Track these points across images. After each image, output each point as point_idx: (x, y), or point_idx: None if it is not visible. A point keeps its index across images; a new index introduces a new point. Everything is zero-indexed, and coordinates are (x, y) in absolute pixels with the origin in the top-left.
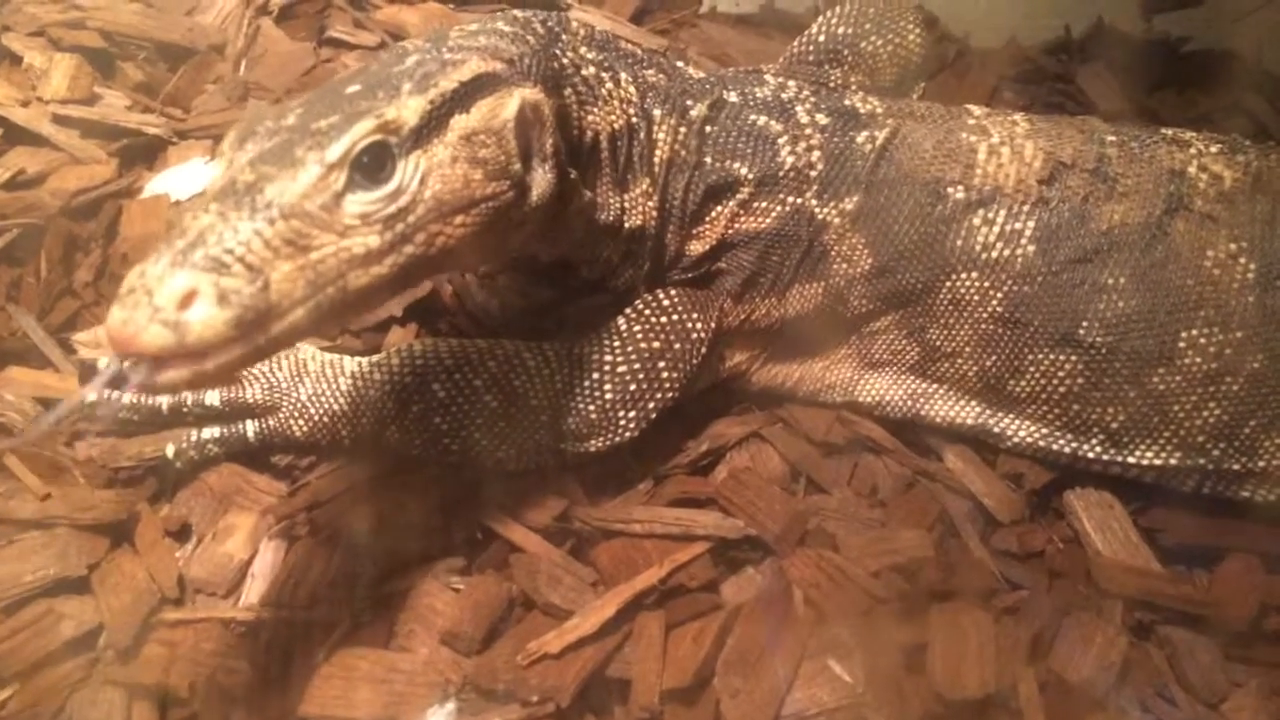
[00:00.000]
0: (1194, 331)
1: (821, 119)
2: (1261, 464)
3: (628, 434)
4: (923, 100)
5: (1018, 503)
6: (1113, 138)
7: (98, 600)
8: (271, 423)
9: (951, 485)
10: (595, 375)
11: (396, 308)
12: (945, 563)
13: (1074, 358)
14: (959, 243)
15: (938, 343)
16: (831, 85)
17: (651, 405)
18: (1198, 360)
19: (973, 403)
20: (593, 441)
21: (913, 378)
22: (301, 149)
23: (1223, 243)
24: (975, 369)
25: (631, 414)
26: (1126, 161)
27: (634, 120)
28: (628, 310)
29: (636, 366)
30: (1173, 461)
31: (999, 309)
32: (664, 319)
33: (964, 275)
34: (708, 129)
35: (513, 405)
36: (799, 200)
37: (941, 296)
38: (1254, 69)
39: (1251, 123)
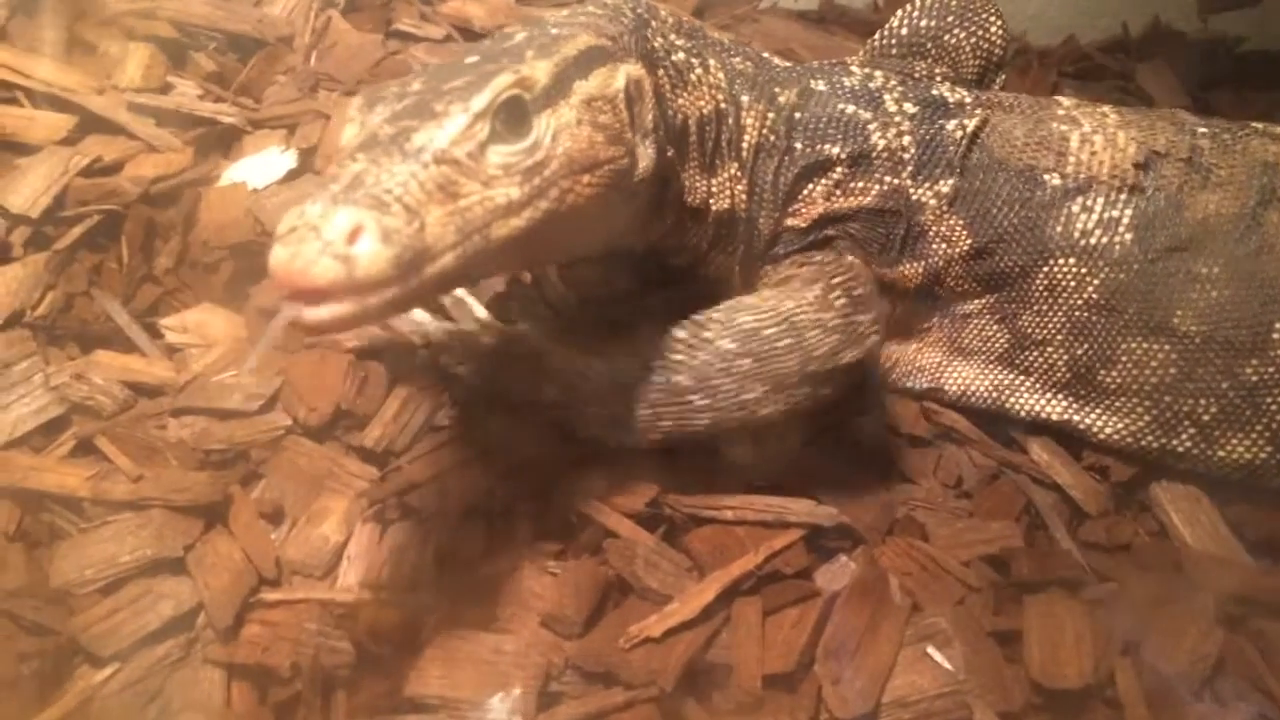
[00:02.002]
0: None
1: (909, 108)
2: None
3: (872, 337)
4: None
5: (1103, 495)
6: (1204, 129)
7: (195, 580)
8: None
9: (1036, 477)
10: (818, 300)
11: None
12: (1035, 554)
13: (1167, 347)
14: (1058, 229)
15: (1029, 329)
16: (917, 76)
17: (875, 311)
18: None
19: (1059, 396)
20: (846, 353)
21: (1000, 368)
22: (442, 103)
23: None
24: (1065, 358)
25: (867, 316)
26: (1220, 153)
27: (722, 105)
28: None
29: (844, 279)
30: (1263, 455)
31: (1094, 296)
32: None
33: (1062, 261)
34: (796, 115)
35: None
36: (895, 180)
37: (1038, 282)
38: None
39: None
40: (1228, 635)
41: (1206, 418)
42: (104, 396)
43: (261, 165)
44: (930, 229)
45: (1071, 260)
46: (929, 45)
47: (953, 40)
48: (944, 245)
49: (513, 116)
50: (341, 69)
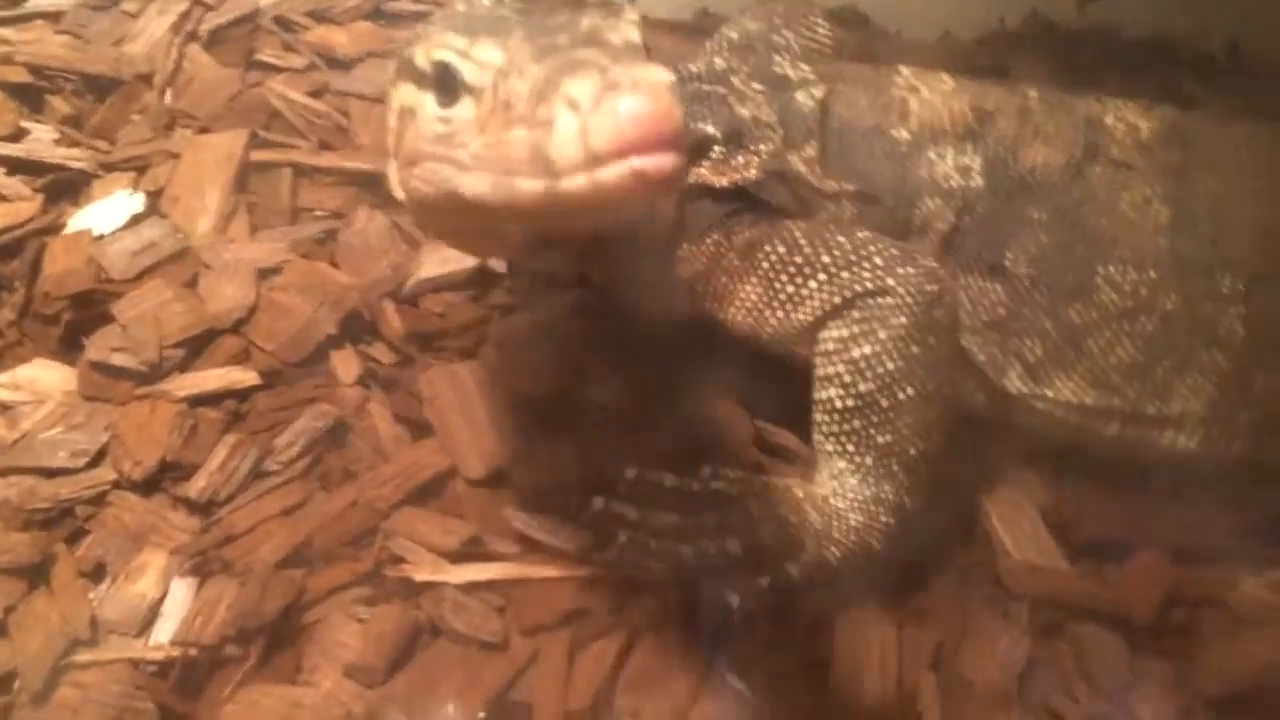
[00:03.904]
0: (1110, 269)
1: (757, 85)
2: (1176, 409)
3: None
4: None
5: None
6: (1034, 93)
7: (13, 643)
8: (806, 557)
9: None
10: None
11: (332, 326)
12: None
13: (999, 287)
14: (924, 173)
15: None
16: (755, 61)
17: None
18: (1113, 297)
19: None
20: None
21: None
22: (590, 18)
23: (1138, 187)
24: None
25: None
26: (1046, 111)
27: None
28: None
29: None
30: (1088, 400)
31: (949, 235)
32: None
33: (929, 201)
34: None
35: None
36: (771, 148)
37: (914, 223)
38: (1190, 53)
39: (1189, 108)
40: (1044, 642)
41: (1032, 359)
42: None
43: (108, 210)
44: (815, 190)
45: (938, 200)
46: (759, 46)
47: (782, 41)
48: (833, 205)
49: None
50: (197, 105)
